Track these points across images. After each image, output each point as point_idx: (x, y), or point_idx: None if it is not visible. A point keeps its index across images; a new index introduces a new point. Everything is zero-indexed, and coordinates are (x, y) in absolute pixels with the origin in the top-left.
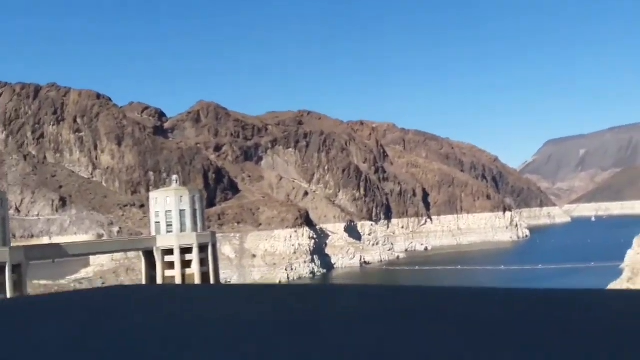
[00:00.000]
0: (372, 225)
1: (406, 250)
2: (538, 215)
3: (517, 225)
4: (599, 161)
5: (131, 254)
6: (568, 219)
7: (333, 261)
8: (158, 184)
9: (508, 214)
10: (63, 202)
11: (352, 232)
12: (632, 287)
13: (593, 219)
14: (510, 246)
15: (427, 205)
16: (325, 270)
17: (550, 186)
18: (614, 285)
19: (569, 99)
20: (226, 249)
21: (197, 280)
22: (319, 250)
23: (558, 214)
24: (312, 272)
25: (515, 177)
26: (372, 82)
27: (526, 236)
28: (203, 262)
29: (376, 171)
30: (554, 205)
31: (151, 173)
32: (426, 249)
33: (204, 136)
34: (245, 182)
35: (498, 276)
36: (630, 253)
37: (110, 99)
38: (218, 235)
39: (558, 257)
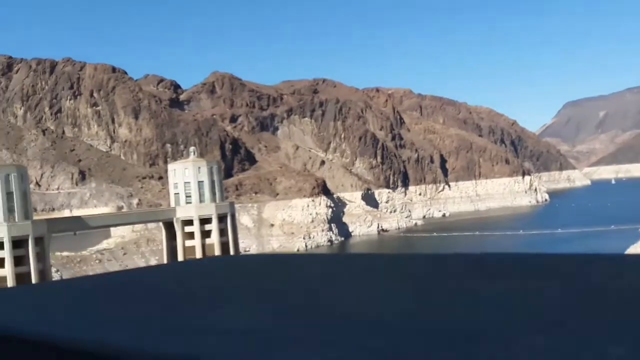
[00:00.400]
0: (389, 192)
1: (424, 217)
2: (557, 179)
3: (536, 190)
4: (619, 122)
5: (151, 225)
6: (588, 182)
7: (350, 229)
8: (175, 155)
9: (527, 178)
10: (82, 176)
11: (370, 200)
12: None
13: (613, 181)
14: (529, 211)
15: (445, 172)
16: (342, 238)
17: (570, 149)
18: (637, 246)
19: (587, 60)
20: (244, 219)
21: (217, 251)
22: (336, 219)
23: (578, 177)
24: (330, 240)
25: (534, 141)
26: (387, 48)
27: (545, 200)
28: (222, 232)
29: (393, 138)
30: (574, 168)
31: (168, 145)
32: (444, 215)
33: (220, 107)
34: (262, 153)
35: (517, 241)
36: None
37: (125, 72)
38: (236, 206)
39: (578, 221)
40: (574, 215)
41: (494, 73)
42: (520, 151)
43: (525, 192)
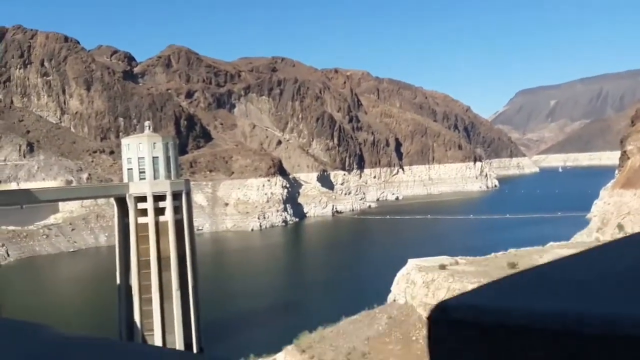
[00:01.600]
0: (344, 174)
1: (378, 200)
2: (507, 165)
3: (486, 176)
4: (569, 112)
5: (101, 201)
6: (536, 170)
7: (305, 210)
8: (128, 130)
9: (478, 164)
10: (30, 148)
11: (325, 181)
12: (601, 237)
13: (560, 169)
14: (480, 196)
15: (400, 155)
16: (297, 219)
17: (521, 136)
18: (582, 235)
19: (542, 49)
20: (198, 197)
21: (170, 228)
22: (291, 199)
23: (527, 164)
24: (285, 221)
25: (487, 127)
26: (347, 29)
27: (495, 186)
28: (177, 210)
29: (350, 120)
30: (524, 155)
31: (121, 119)
32: (397, 198)
33: (175, 82)
34: (218, 130)
35: (467, 225)
36: (598, 204)
37: (78, 42)
38: (190, 184)
39: (526, 207)
40: (523, 202)
41: (451, 59)
42: (473, 137)
43: (476, 177)
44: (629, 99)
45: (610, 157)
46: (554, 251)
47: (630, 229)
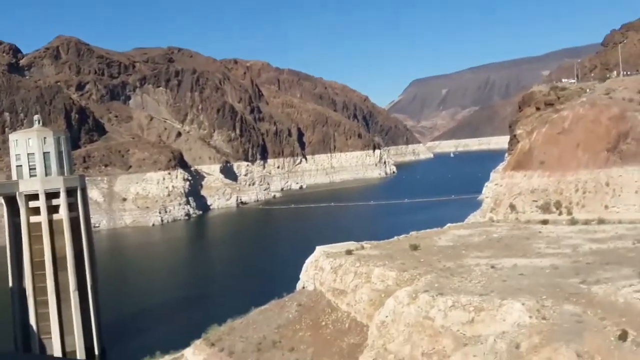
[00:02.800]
0: (248, 165)
1: (282, 190)
2: (404, 152)
3: (385, 163)
4: (459, 100)
5: None
6: (431, 155)
7: (209, 202)
8: (15, 125)
9: (377, 152)
10: None
11: (228, 172)
12: (495, 216)
13: (452, 154)
14: (379, 182)
15: (302, 145)
16: (201, 212)
17: (415, 124)
18: (476, 215)
19: (433, 40)
20: (94, 193)
21: (65, 226)
22: (194, 192)
23: (422, 151)
24: (188, 214)
25: (384, 116)
26: (245, 19)
27: (393, 172)
28: (72, 207)
29: (252, 111)
30: (419, 142)
31: (7, 113)
32: (301, 187)
33: (65, 74)
34: (112, 123)
35: (368, 211)
36: (489, 185)
37: None
38: (85, 179)
39: (422, 192)
40: (419, 186)
41: (348, 50)
42: (371, 126)
43: (376, 164)
44: (514, 87)
45: (497, 142)
46: (452, 232)
47: (521, 209)
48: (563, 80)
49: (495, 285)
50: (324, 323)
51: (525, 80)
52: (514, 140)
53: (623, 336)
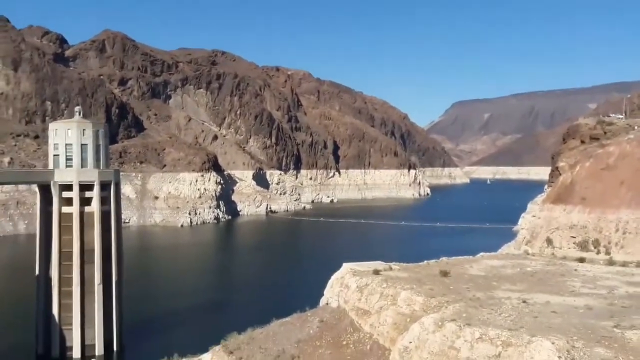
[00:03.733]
0: (280, 174)
1: (312, 202)
2: (440, 174)
3: (419, 184)
4: (501, 125)
5: (22, 187)
6: (467, 180)
7: (239, 208)
8: (56, 115)
9: (412, 172)
10: None
11: (261, 180)
12: (530, 249)
13: (488, 182)
14: (412, 203)
15: (337, 158)
16: (230, 217)
17: (454, 147)
18: (510, 247)
19: (478, 62)
20: (126, 189)
21: (96, 219)
22: (225, 196)
23: (458, 175)
24: (217, 218)
25: (422, 136)
26: (290, 27)
27: (427, 194)
28: (104, 201)
29: (289, 120)
30: (456, 166)
31: (49, 102)
32: (332, 201)
33: (109, 68)
34: (151, 120)
35: (398, 231)
36: (526, 217)
37: (7, 20)
38: (120, 174)
39: (456, 217)
40: (453, 211)
41: (391, 66)
42: (408, 145)
43: (410, 185)
44: (559, 117)
45: (537, 173)
46: (484, 261)
47: (558, 244)
48: (610, 114)
49: (525, 320)
50: (345, 342)
51: (571, 112)
52: (555, 173)
53: None
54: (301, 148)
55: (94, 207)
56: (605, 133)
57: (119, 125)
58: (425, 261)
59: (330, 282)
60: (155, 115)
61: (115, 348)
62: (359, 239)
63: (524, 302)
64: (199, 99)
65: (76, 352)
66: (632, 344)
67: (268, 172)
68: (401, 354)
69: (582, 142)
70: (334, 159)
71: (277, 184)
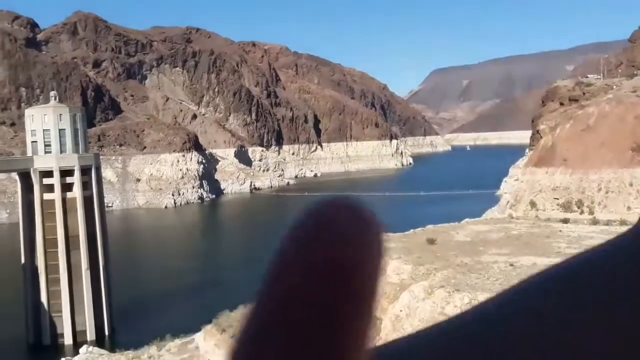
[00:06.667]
0: (262, 151)
1: (296, 177)
2: (421, 143)
3: (402, 154)
4: (480, 92)
5: (2, 176)
6: (449, 148)
7: (222, 187)
8: (31, 100)
9: (394, 142)
10: None
11: (243, 157)
12: (514, 213)
13: (468, 148)
14: (395, 173)
15: (318, 132)
16: (214, 196)
17: (434, 115)
18: (494, 210)
19: (455, 29)
20: (107, 173)
21: (79, 204)
22: (208, 176)
23: (440, 143)
24: (201, 198)
25: (402, 106)
26: (264, 1)
27: (410, 164)
28: (86, 186)
29: (268, 95)
30: (437, 134)
31: (23, 89)
32: (316, 175)
33: (82, 50)
34: (128, 102)
35: (383, 202)
36: (508, 181)
37: None
38: (100, 158)
39: (439, 185)
40: (436, 179)
41: (368, 37)
42: (389, 115)
43: (392, 155)
44: (537, 81)
45: (518, 137)
46: (470, 227)
47: (542, 206)
48: (588, 76)
49: (513, 283)
50: None
51: (549, 75)
52: (536, 136)
53: None
54: (282, 123)
55: (76, 192)
56: (584, 94)
57: (95, 109)
58: (412, 230)
59: None
60: (132, 96)
61: (106, 332)
62: None
63: (511, 265)
64: (175, 78)
65: (67, 339)
66: None
67: (250, 149)
68: (393, 323)
69: (562, 104)
70: (315, 133)
71: (260, 160)
